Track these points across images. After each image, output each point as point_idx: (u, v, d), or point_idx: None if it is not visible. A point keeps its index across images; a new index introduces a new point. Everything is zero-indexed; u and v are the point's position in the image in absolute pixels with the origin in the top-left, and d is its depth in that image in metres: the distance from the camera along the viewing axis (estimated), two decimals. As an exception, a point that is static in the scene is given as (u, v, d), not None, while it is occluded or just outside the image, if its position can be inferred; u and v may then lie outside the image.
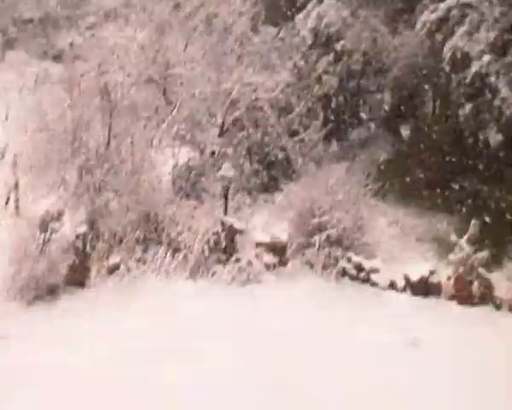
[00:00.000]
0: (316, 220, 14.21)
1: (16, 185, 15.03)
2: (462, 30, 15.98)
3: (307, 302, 12.68)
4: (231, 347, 11.17)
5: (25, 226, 13.29)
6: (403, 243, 14.94)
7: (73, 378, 10.40)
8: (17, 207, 14.99)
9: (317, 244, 13.98)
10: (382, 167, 17.98)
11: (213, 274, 13.53)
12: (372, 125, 20.08)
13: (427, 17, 16.75)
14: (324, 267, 13.78)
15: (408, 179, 17.42)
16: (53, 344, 11.36)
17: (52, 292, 12.92)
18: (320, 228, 14.16)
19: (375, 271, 13.55)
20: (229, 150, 16.40)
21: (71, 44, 21.85)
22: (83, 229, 13.57)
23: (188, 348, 11.12)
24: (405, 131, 19.58)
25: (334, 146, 18.87)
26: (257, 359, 11.04)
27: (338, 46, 18.91)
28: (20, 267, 12.81)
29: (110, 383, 10.15)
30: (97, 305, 12.66)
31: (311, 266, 13.89)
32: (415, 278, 13.35)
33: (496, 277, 13.46)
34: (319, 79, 18.94)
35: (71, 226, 13.75)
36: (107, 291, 13.02)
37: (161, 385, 10.10)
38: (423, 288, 13.29)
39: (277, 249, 14.00)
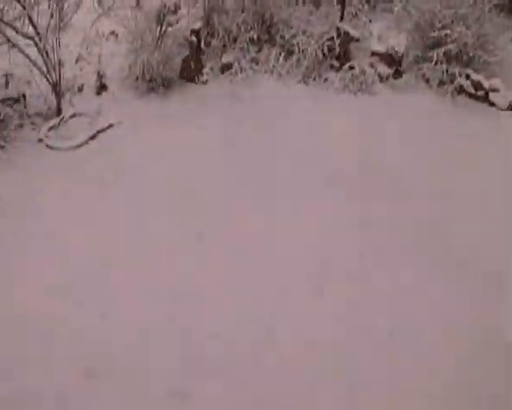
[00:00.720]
0: (435, 34, 13.54)
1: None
2: None
3: (421, 119, 12.53)
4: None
5: (142, 18, 13.32)
6: (527, 63, 14.18)
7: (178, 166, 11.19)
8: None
9: (434, 59, 13.41)
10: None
11: (325, 80, 13.36)
12: None
13: None
14: (440, 83, 13.31)
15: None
16: (164, 132, 11.92)
17: (166, 85, 13.15)
18: (439, 42, 13.52)
19: (495, 90, 12.97)
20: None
21: None
22: (198, 25, 13.51)
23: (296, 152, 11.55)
24: None
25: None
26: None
27: None
28: (136, 58, 13.05)
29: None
30: (208, 98, 12.95)
31: (427, 81, 13.42)
32: (536, 101, 12.81)
33: None
34: None
35: (187, 22, 13.72)
36: (220, 87, 13.18)
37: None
38: (544, 112, 12.77)
39: (393, 61, 13.55)
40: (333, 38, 13.50)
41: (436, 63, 13.45)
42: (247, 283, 9.19)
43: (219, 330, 8.53)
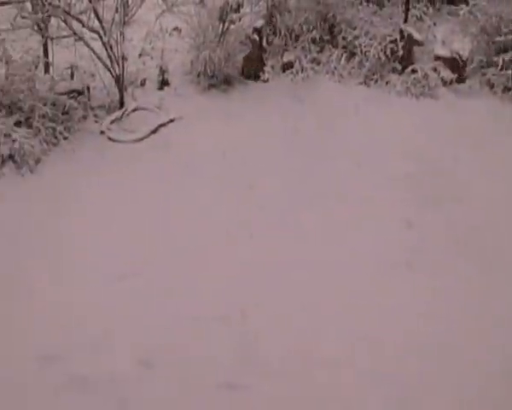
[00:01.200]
0: (501, 38, 13.28)
1: (199, -26, 15.04)
2: None
3: (484, 124, 12.29)
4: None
5: (205, 15, 13.42)
6: None
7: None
8: (201, -4, 15.13)
9: (499, 64, 13.15)
10: None
11: (387, 83, 13.21)
12: None
13: None
14: (505, 89, 13.02)
15: None
16: (224, 129, 12.00)
17: (227, 82, 13.23)
18: (505, 47, 13.24)
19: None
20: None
21: None
22: (260, 23, 13.53)
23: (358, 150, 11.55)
24: None
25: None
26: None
27: None
28: (198, 54, 13.15)
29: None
30: (269, 97, 12.97)
31: (491, 86, 13.15)
32: None
33: None
34: None
35: (249, 19, 13.78)
36: (280, 86, 13.19)
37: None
38: None
39: (456, 65, 13.30)
40: (396, 40, 13.35)
41: (501, 68, 13.17)
42: (299, 277, 9.22)
43: (276, 325, 8.52)
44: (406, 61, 13.40)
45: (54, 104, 11.61)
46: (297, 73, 13.36)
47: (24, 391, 7.73)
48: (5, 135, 10.76)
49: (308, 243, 9.76)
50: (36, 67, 12.18)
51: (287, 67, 13.48)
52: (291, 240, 9.78)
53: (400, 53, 13.33)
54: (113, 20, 12.27)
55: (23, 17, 11.83)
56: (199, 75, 13.13)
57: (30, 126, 11.19)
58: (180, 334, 8.44)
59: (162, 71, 13.17)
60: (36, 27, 12.07)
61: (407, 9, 14.00)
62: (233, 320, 8.60)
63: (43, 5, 11.52)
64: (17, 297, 8.83)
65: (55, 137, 11.42)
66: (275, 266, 9.36)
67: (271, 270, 9.29)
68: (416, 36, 13.53)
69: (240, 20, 13.55)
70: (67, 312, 8.65)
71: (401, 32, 13.43)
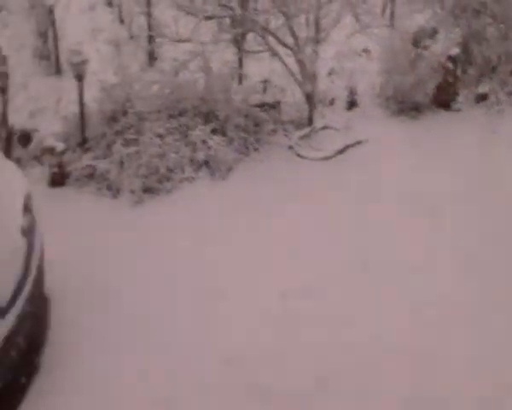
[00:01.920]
0: None
1: (392, -3, 15.00)
2: None
3: None
4: None
5: (397, 39, 13.29)
6: None
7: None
8: (392, 19, 15.04)
9: None
10: None
11: None
12: None
13: None
14: None
15: None
16: (412, 156, 11.71)
17: (416, 108, 13.02)
18: None
19: None
20: None
21: None
22: (455, 51, 13.21)
23: None
24: None
25: None
26: None
27: None
28: (389, 78, 13.06)
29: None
30: (457, 128, 12.58)
31: None
32: None
33: None
34: None
35: (443, 47, 13.50)
36: (473, 117, 12.80)
37: None
38: None
39: None
40: None
41: None
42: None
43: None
44: None
45: (246, 115, 11.91)
46: (492, 105, 12.93)
47: (211, 392, 7.87)
48: (203, 141, 11.18)
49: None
50: (232, 79, 12.58)
51: (481, 98, 13.10)
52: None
53: None
54: (307, 37, 12.41)
55: (224, 31, 12.27)
56: (388, 99, 13.04)
57: (224, 135, 11.54)
58: (357, 361, 8.27)
59: (351, 92, 13.18)
60: (233, 41, 12.48)
61: None
62: (409, 355, 8.29)
63: (244, 20, 11.86)
64: (207, 298, 9.07)
65: (246, 148, 11.71)
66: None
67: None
68: None
69: (433, 46, 13.35)
70: (247, 319, 8.75)
71: None
